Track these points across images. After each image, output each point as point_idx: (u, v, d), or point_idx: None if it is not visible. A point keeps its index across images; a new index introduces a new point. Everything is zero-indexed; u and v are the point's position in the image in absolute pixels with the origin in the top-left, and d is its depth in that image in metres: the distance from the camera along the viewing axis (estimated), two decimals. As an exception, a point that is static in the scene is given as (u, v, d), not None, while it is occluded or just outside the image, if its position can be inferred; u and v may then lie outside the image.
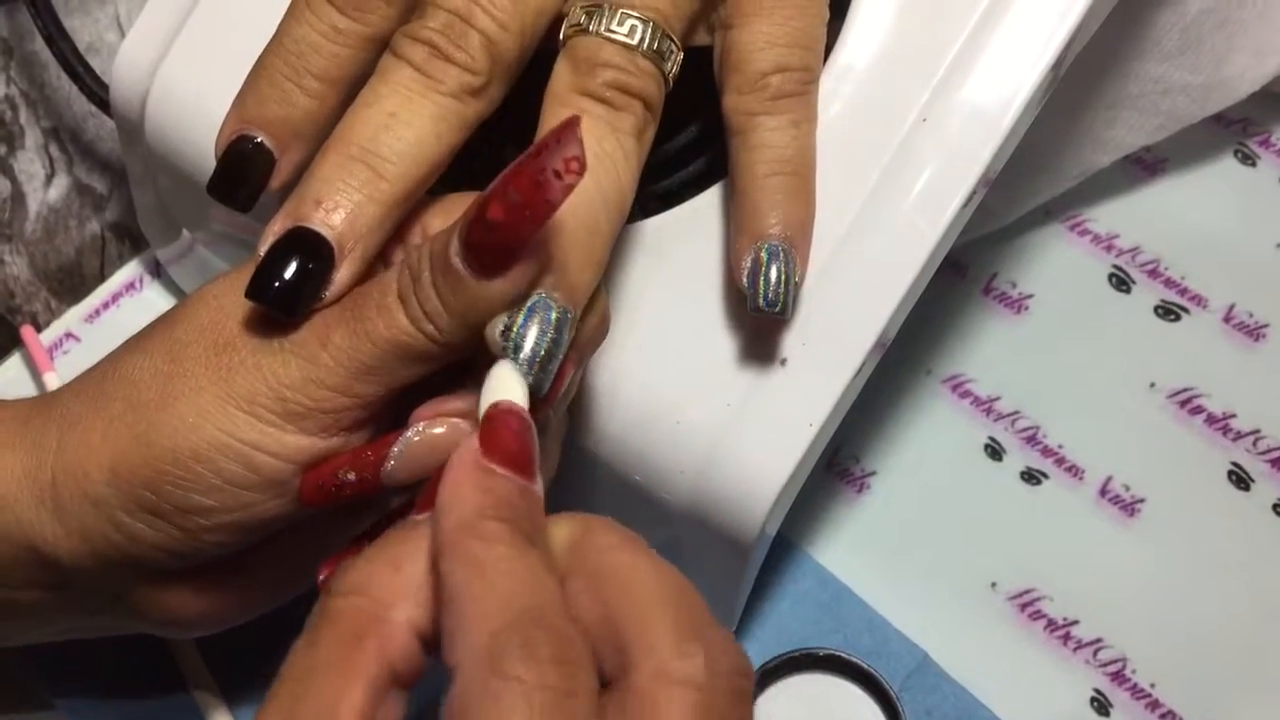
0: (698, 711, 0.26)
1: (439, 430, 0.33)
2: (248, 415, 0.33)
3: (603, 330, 0.35)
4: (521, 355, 0.31)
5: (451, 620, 0.27)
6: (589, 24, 0.34)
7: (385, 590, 0.28)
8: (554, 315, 0.31)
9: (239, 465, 0.33)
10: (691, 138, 0.40)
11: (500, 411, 0.30)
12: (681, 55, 0.35)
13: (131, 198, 0.50)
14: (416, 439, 0.33)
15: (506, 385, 0.31)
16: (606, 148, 0.33)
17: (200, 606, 0.38)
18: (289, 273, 0.33)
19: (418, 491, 0.31)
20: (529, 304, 0.31)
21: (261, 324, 0.34)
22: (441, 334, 0.32)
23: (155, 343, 0.35)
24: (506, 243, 0.30)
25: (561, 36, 0.35)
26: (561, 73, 0.34)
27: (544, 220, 0.30)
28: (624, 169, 0.34)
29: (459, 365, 0.34)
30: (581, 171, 0.29)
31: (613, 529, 0.30)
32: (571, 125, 0.29)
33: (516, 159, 0.30)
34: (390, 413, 0.35)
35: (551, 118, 0.34)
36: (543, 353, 0.31)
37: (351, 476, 0.33)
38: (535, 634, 0.26)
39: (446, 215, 0.35)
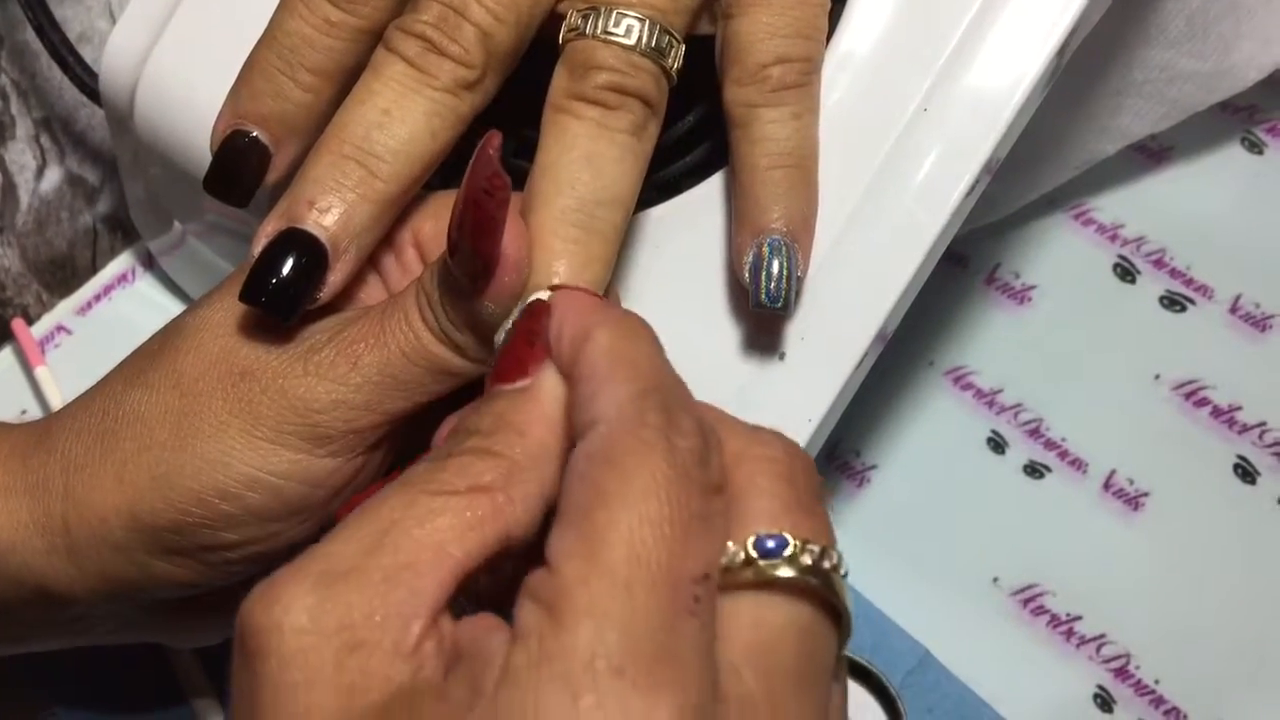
0: (782, 478, 0.27)
1: None
2: (275, 445, 0.33)
3: None
4: None
5: (588, 387, 0.27)
6: (585, 27, 0.33)
7: (515, 452, 0.27)
8: None
9: (266, 498, 0.33)
10: (689, 127, 0.40)
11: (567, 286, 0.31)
12: (683, 49, 0.35)
13: (123, 189, 0.50)
14: None
15: None
16: (599, 147, 0.33)
17: (215, 623, 0.38)
18: (283, 275, 0.32)
19: (495, 365, 0.30)
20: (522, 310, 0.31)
21: (278, 349, 0.34)
22: (462, 348, 0.33)
23: (159, 376, 0.34)
24: (474, 261, 0.31)
25: (560, 40, 0.34)
26: (558, 80, 0.34)
27: (495, 234, 0.30)
28: (619, 167, 0.33)
29: (468, 385, 0.34)
30: (505, 187, 0.30)
31: None
32: (485, 146, 0.30)
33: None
34: (405, 430, 0.35)
35: (548, 124, 0.33)
36: None
37: None
38: (676, 406, 0.26)
39: (435, 216, 0.35)
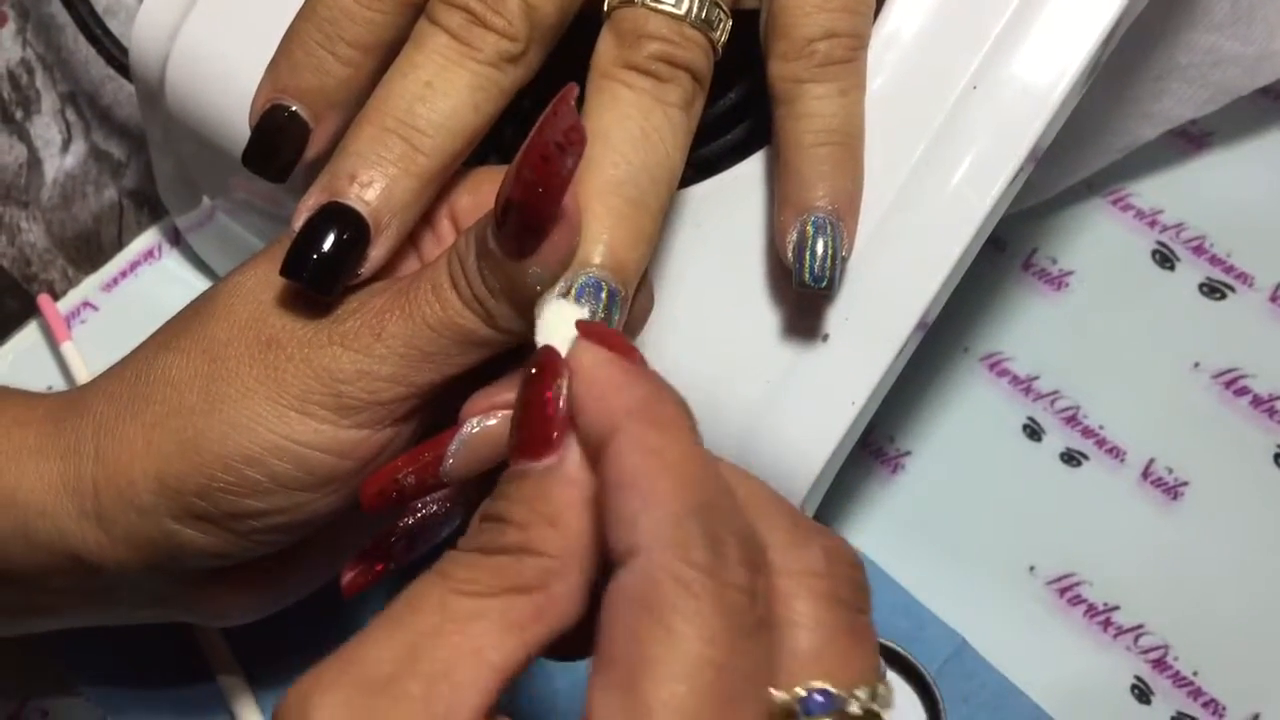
0: (824, 598, 0.25)
1: (493, 423, 0.32)
2: (300, 414, 0.32)
3: (649, 306, 0.34)
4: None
5: (628, 504, 0.25)
6: None
7: (552, 548, 0.26)
8: (604, 294, 0.31)
9: (293, 466, 0.33)
10: (731, 104, 0.39)
11: (592, 327, 0.28)
12: (730, 22, 0.34)
13: (150, 164, 0.49)
14: (475, 431, 0.32)
15: (564, 320, 0.30)
16: (654, 121, 0.32)
17: (241, 600, 0.37)
18: (325, 250, 0.32)
19: (513, 443, 0.28)
20: (579, 284, 0.31)
21: (306, 318, 0.33)
22: (494, 317, 0.32)
23: (190, 341, 0.34)
24: (529, 222, 0.30)
25: (606, 7, 0.34)
26: (606, 46, 0.33)
27: (559, 194, 0.29)
28: (671, 143, 0.33)
29: (501, 357, 0.33)
30: (582, 141, 0.29)
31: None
32: (565, 97, 0.28)
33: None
34: (436, 403, 0.34)
35: (596, 91, 0.33)
36: None
37: (411, 479, 0.33)
38: (722, 531, 0.24)
39: (474, 192, 0.35)
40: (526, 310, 0.31)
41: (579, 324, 0.28)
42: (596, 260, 0.31)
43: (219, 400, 0.33)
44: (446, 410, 0.34)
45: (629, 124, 0.32)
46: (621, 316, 0.31)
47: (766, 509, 0.26)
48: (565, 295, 0.31)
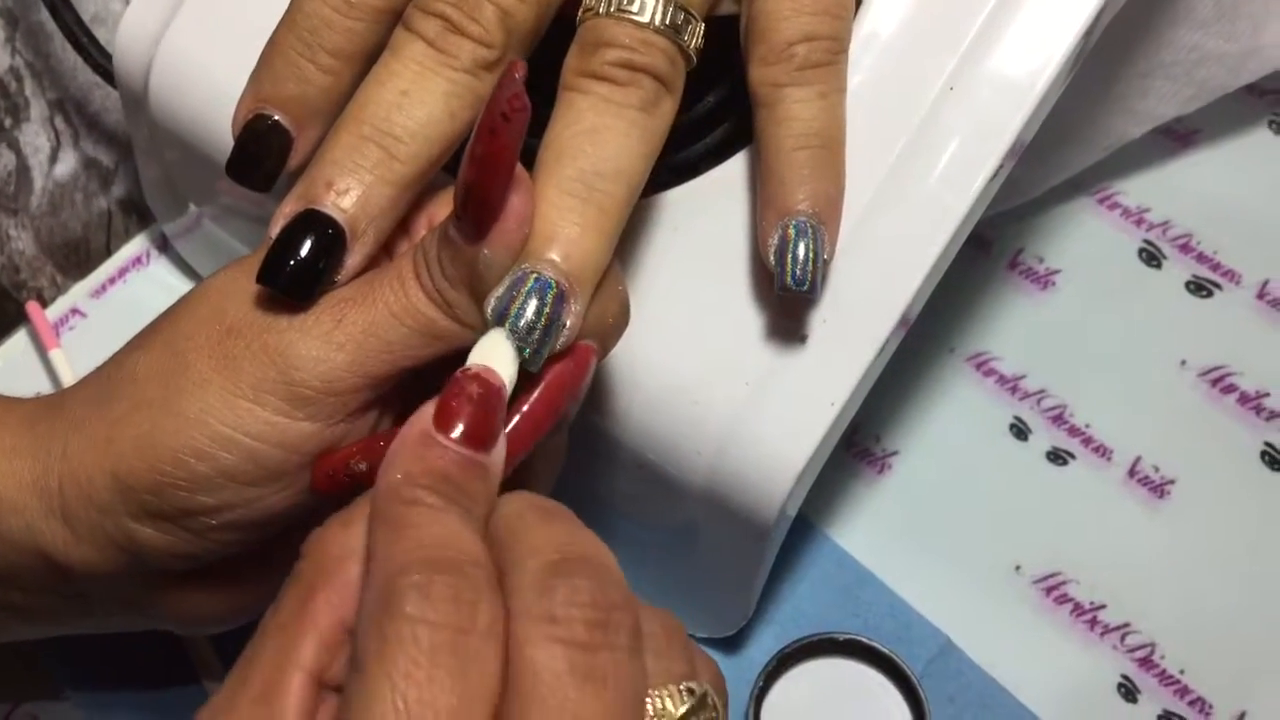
0: (555, 642, 0.26)
1: None
2: (252, 404, 0.32)
3: (624, 319, 0.34)
4: (519, 326, 0.31)
5: (366, 574, 0.27)
6: (601, 6, 0.33)
7: (337, 546, 0.28)
8: (550, 288, 0.31)
9: (240, 459, 0.33)
10: (709, 107, 0.39)
11: (464, 376, 0.30)
12: (702, 27, 0.34)
13: (138, 171, 0.49)
14: None
15: (492, 352, 0.31)
16: (604, 120, 0.32)
17: (215, 606, 0.37)
18: (301, 257, 0.32)
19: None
20: (519, 275, 0.31)
21: (267, 307, 0.33)
22: (454, 307, 0.32)
23: (156, 339, 0.34)
24: (482, 201, 0.30)
25: (577, 20, 0.34)
26: (570, 58, 0.33)
27: (507, 166, 0.30)
28: (625, 140, 0.32)
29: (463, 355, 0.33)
30: (525, 109, 0.29)
31: (522, 497, 0.30)
32: (509, 72, 0.29)
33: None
34: (392, 404, 0.34)
35: (557, 103, 0.33)
36: (539, 326, 0.31)
37: (363, 466, 0.33)
38: (433, 576, 0.26)
39: (450, 203, 0.35)
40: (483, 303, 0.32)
41: (459, 371, 0.30)
42: (546, 254, 0.31)
43: (175, 393, 0.33)
44: (401, 418, 0.34)
45: (577, 126, 0.32)
46: (569, 311, 0.31)
47: (523, 557, 0.28)
48: (512, 298, 0.31)
